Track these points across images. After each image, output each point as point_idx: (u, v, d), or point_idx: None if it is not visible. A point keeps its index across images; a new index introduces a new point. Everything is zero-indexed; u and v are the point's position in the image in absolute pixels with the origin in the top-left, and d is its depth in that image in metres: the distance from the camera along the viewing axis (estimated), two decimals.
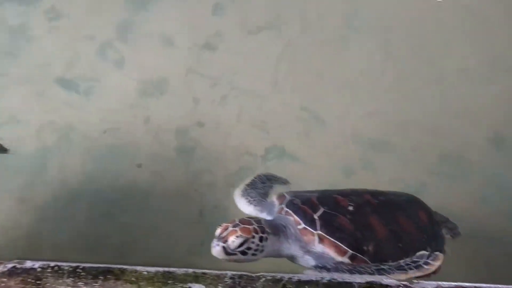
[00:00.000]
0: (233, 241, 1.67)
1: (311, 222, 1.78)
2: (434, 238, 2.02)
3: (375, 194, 2.04)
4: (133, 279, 1.50)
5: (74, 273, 1.54)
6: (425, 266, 1.62)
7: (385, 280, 1.37)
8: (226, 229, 1.69)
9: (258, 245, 1.69)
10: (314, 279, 1.37)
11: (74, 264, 1.56)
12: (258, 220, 1.78)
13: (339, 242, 1.73)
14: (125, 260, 1.61)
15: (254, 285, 1.41)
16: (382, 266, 1.64)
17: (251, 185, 2.15)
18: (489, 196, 2.77)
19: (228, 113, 3.37)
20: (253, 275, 1.44)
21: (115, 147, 3.20)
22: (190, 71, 3.50)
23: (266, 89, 3.41)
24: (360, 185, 2.20)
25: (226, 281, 1.44)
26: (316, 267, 1.69)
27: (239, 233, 1.67)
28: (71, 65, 3.50)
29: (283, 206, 1.90)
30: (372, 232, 1.81)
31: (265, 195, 2.13)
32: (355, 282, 1.35)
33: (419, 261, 1.65)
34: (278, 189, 2.23)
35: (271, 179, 2.28)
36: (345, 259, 1.71)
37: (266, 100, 3.37)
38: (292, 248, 1.80)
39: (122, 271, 1.53)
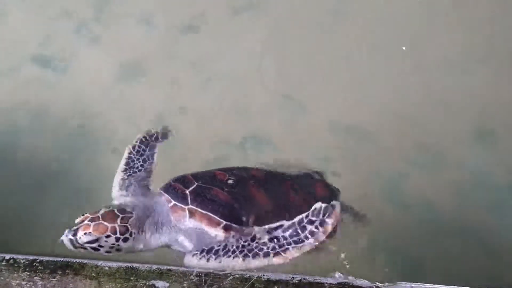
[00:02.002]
0: (81, 237, 1.51)
1: (182, 198, 1.68)
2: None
3: (265, 169, 2.02)
4: (93, 274, 1.42)
5: (30, 266, 1.45)
6: (322, 229, 1.51)
7: (357, 282, 1.30)
8: (83, 221, 1.55)
9: (113, 244, 1.55)
10: (284, 278, 1.30)
11: (31, 257, 1.47)
12: (126, 217, 1.59)
13: (212, 213, 1.63)
14: None
15: (222, 284, 1.34)
16: (278, 242, 1.51)
17: (131, 170, 1.98)
18: (465, 189, 2.75)
19: (208, 98, 3.24)
20: (221, 273, 1.37)
21: (89, 130, 3.07)
22: (170, 54, 3.36)
23: (249, 74, 3.29)
24: (343, 175, 2.17)
25: (192, 279, 1.36)
26: (198, 253, 1.54)
27: (90, 229, 1.51)
28: (46, 43, 3.33)
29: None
30: (253, 203, 1.74)
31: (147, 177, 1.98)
32: (327, 283, 1.29)
33: (315, 222, 1.53)
34: None
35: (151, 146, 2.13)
36: (219, 231, 1.61)
37: (248, 85, 3.26)
38: (163, 236, 1.67)
39: (82, 265, 1.44)
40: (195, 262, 1.51)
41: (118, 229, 1.55)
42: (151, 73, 3.35)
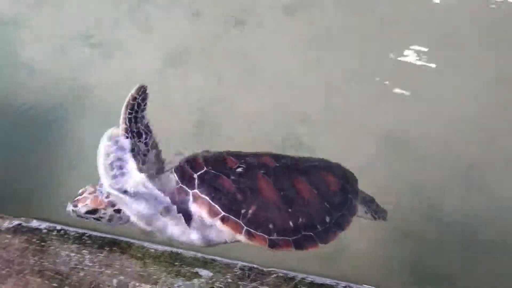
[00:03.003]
0: (79, 208, 1.55)
1: (188, 181, 1.65)
2: (339, 206, 1.86)
3: (279, 157, 1.89)
4: (139, 255, 1.45)
5: (79, 239, 1.49)
6: None
7: None
8: (82, 193, 1.58)
9: (112, 215, 1.57)
10: (328, 283, 1.29)
11: (80, 231, 1.51)
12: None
13: (213, 202, 1.59)
14: None
15: (264, 280, 1.34)
16: None
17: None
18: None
19: (249, 94, 3.24)
20: (265, 269, 1.37)
21: None
22: (215, 46, 3.37)
23: (292, 73, 3.27)
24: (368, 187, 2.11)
25: (236, 272, 1.37)
26: None
27: (87, 202, 1.56)
28: (98, 26, 3.40)
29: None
30: (257, 195, 1.67)
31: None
32: None
33: None
34: None
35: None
36: (217, 221, 1.57)
37: (290, 85, 3.24)
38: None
39: (129, 245, 1.47)
40: None
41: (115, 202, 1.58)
42: (194, 64, 3.37)
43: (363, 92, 3.22)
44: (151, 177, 1.79)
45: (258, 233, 1.58)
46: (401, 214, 2.57)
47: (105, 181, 1.59)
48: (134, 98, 1.92)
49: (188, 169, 1.69)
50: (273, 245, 1.59)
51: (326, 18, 3.44)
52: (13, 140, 2.93)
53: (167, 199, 1.58)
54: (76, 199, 1.58)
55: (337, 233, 1.73)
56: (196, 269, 1.38)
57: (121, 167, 1.70)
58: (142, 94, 1.94)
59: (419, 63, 3.33)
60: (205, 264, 1.40)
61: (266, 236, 1.59)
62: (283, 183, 1.74)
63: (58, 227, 1.52)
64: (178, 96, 3.27)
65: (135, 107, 1.93)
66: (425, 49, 3.33)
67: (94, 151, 3.08)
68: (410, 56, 3.38)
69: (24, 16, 3.42)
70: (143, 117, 1.92)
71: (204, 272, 1.37)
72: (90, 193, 1.58)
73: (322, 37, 3.37)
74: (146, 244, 1.46)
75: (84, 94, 3.20)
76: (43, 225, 1.52)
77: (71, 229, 1.51)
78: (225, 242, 1.61)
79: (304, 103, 3.23)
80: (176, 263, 1.40)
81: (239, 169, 1.70)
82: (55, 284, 1.39)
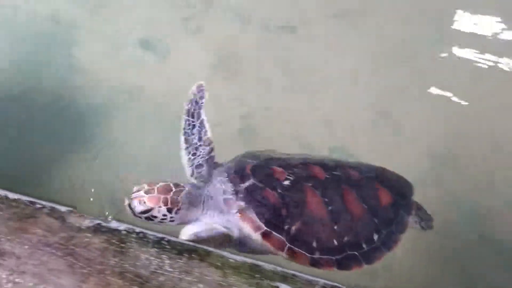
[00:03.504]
0: (136, 206, 1.60)
1: (235, 192, 1.66)
2: (388, 223, 1.78)
3: (330, 167, 1.82)
4: (218, 264, 1.45)
5: (159, 244, 1.50)
6: None
7: None
8: (139, 191, 1.63)
9: (165, 215, 1.61)
10: None
11: (159, 235, 1.52)
12: (179, 190, 1.66)
13: (257, 217, 1.59)
14: None
15: None
16: None
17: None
18: None
19: (297, 102, 3.22)
20: None
21: (178, 116, 3.16)
22: (264, 53, 3.38)
23: (342, 83, 3.24)
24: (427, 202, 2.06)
25: None
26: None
27: (144, 200, 1.60)
28: (153, 29, 3.45)
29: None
30: (303, 209, 1.63)
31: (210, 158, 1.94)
32: None
33: None
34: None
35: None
36: (258, 236, 1.57)
37: (340, 95, 3.20)
38: (214, 218, 1.70)
39: (208, 253, 1.48)
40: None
41: (169, 201, 1.62)
42: (242, 70, 3.39)
43: (417, 104, 3.16)
44: (200, 180, 1.84)
45: (300, 251, 1.56)
46: (452, 231, 2.53)
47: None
48: (194, 95, 2.05)
49: (235, 180, 1.71)
50: (315, 264, 1.57)
51: (378, 27, 3.41)
52: (63, 138, 2.97)
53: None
54: (132, 196, 1.62)
55: (384, 253, 1.71)
56: (277, 283, 1.37)
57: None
58: (200, 92, 2.06)
59: (476, 74, 3.25)
60: (285, 278, 1.39)
61: (308, 255, 1.56)
62: (332, 197, 1.70)
63: (137, 229, 1.53)
64: (225, 102, 3.29)
65: (193, 103, 2.05)
66: (484, 60, 3.26)
67: (144, 150, 3.12)
68: (468, 66, 3.30)
69: (81, 18, 3.48)
70: (199, 113, 2.02)
71: (284, 287, 1.37)
72: (146, 192, 1.62)
73: (374, 46, 3.35)
74: (225, 253, 1.46)
75: (134, 95, 3.24)
76: (122, 226, 1.54)
77: (149, 232, 1.52)
78: (268, 254, 1.62)
79: (354, 114, 3.19)
80: (257, 275, 1.40)
81: (286, 182, 1.69)
82: (135, 287, 1.40)
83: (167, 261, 1.45)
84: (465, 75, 3.22)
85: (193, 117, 2.02)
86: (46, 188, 2.31)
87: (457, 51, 3.33)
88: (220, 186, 1.72)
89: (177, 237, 1.51)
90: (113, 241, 1.50)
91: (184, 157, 1.92)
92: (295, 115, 3.24)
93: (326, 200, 1.68)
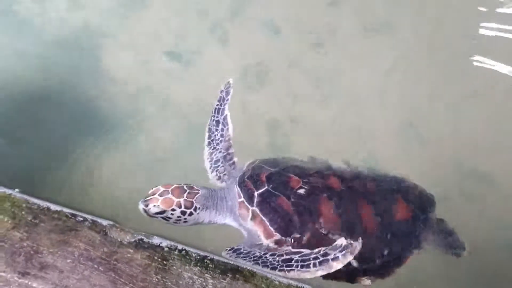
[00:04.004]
0: (150, 208, 1.62)
1: (250, 198, 1.68)
2: (402, 240, 1.76)
3: (347, 178, 1.81)
4: (263, 285, 1.42)
5: (202, 262, 1.47)
6: (331, 263, 1.42)
7: None
8: (154, 193, 1.66)
9: (179, 217, 1.65)
10: None
11: (202, 253, 1.50)
12: (193, 193, 1.70)
13: (269, 223, 1.61)
14: None
15: None
16: (290, 262, 1.46)
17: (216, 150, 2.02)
18: None
19: (324, 115, 3.20)
20: None
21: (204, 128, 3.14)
22: (292, 64, 3.38)
23: (370, 96, 3.22)
24: (453, 215, 2.01)
25: None
26: (230, 250, 1.59)
27: (158, 203, 1.63)
28: (179, 39, 3.47)
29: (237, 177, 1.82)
30: (316, 220, 1.63)
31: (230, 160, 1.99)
32: None
33: (329, 255, 1.43)
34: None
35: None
36: (271, 243, 1.59)
37: (368, 108, 3.18)
38: (226, 220, 1.74)
39: (252, 274, 1.45)
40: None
41: (183, 204, 1.65)
42: (270, 81, 3.38)
43: (445, 115, 3.13)
44: (217, 176, 1.91)
45: None
46: (481, 250, 2.48)
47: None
48: (221, 91, 2.13)
49: (250, 185, 1.72)
50: (324, 275, 1.53)
51: (405, 39, 3.40)
52: (88, 145, 2.97)
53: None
54: (147, 199, 1.64)
55: (394, 269, 1.70)
56: None
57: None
58: (227, 89, 2.13)
59: (509, 85, 3.21)
60: None
61: None
62: (346, 209, 1.69)
63: (180, 246, 1.51)
64: (252, 111, 3.28)
65: (220, 100, 2.13)
66: None
67: (170, 158, 3.10)
68: (500, 77, 3.25)
69: (110, 27, 3.51)
70: (224, 110, 2.11)
71: None
72: (160, 195, 1.65)
73: (402, 60, 3.33)
74: (269, 275, 1.43)
75: (161, 103, 3.24)
76: (164, 242, 1.51)
77: (192, 250, 1.49)
78: None
79: (381, 125, 3.16)
80: None
81: (301, 191, 1.69)
82: None
83: (211, 281, 1.42)
84: (497, 87, 3.19)
85: (218, 113, 2.10)
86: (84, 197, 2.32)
87: (488, 62, 3.30)
88: (236, 189, 1.74)
89: (220, 255, 1.48)
90: (155, 257, 1.47)
91: (206, 151, 1.99)
92: (321, 126, 3.22)
93: (340, 211, 1.68)
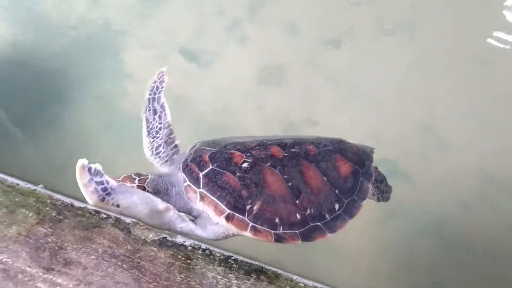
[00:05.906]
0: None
1: (195, 180, 1.69)
2: (349, 191, 1.81)
3: (287, 145, 1.83)
4: (287, 287, 1.40)
5: (225, 262, 1.46)
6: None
7: None
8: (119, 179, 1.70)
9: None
10: None
11: (226, 253, 1.48)
12: (143, 179, 1.71)
13: (219, 201, 1.63)
14: None
15: None
16: None
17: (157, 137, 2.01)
18: None
19: (341, 115, 3.18)
20: None
21: (224, 126, 3.13)
22: (310, 65, 3.35)
23: (388, 97, 3.19)
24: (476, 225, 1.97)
25: None
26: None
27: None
28: (197, 37, 3.47)
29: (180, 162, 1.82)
30: (263, 189, 1.66)
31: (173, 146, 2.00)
32: None
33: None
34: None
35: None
36: (222, 220, 1.62)
37: (386, 110, 3.15)
38: (177, 206, 1.72)
39: (277, 275, 1.43)
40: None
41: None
42: (287, 81, 3.37)
43: (464, 119, 3.08)
44: (160, 163, 1.92)
45: (263, 228, 1.61)
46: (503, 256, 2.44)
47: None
48: (154, 81, 2.12)
49: (194, 168, 1.72)
50: (279, 239, 1.61)
51: (424, 42, 3.37)
52: (106, 145, 2.98)
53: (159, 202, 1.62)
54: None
55: (346, 221, 1.74)
56: None
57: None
58: (160, 78, 2.13)
59: None
60: None
61: (271, 231, 1.61)
62: (291, 173, 1.73)
63: (203, 245, 1.49)
64: (269, 111, 3.26)
65: (154, 89, 2.12)
66: None
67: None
68: None
69: (130, 26, 3.54)
70: (160, 97, 2.10)
71: None
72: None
73: (420, 60, 3.30)
74: (294, 277, 1.41)
75: (179, 103, 3.25)
76: (188, 241, 1.50)
77: (216, 249, 1.48)
78: (233, 235, 1.67)
79: (400, 127, 3.13)
80: None
81: (245, 164, 1.71)
82: None
83: (235, 281, 1.40)
84: None
85: (154, 102, 2.08)
86: None
87: (509, 65, 3.25)
88: (181, 174, 1.75)
89: (244, 256, 1.47)
90: (179, 256, 1.46)
91: (145, 140, 1.99)
92: (340, 127, 3.20)
93: (286, 177, 1.72)
